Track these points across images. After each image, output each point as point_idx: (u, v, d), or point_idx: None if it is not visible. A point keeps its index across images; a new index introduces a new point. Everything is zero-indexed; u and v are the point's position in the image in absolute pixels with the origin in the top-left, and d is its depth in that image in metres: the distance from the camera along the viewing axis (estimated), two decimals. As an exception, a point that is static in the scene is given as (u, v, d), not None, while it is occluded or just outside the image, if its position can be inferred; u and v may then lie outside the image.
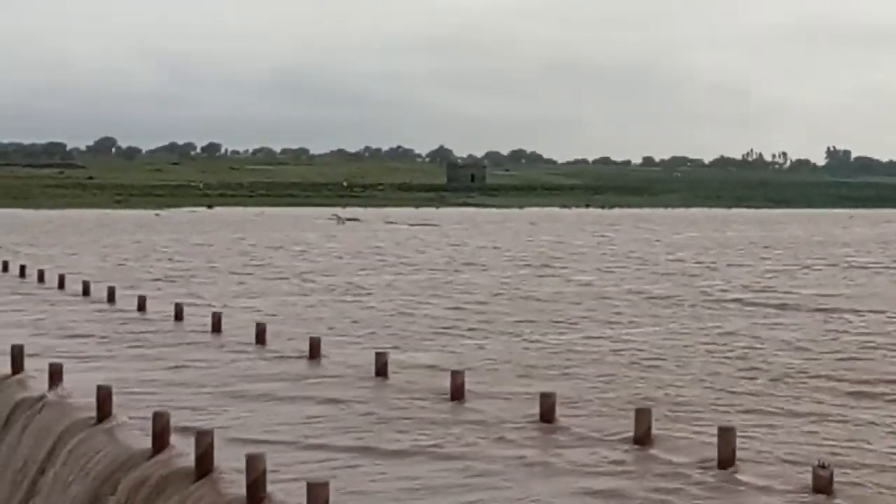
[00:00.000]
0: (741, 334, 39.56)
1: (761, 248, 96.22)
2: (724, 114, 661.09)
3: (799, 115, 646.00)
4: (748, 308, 48.03)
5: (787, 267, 73.71)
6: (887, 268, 73.36)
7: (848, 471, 20.08)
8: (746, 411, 25.90)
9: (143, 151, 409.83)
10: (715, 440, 20.61)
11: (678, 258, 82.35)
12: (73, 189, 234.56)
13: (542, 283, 60.62)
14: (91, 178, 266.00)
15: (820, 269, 71.49)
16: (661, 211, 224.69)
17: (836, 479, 18.75)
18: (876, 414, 25.86)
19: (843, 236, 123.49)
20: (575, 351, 35.36)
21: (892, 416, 25.57)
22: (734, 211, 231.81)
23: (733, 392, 28.42)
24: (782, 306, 48.66)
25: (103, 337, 37.84)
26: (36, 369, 29.17)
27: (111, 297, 48.12)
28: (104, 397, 24.06)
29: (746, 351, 35.49)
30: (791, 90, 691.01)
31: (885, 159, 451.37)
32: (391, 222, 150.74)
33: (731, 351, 35.51)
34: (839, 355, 34.70)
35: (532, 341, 37.50)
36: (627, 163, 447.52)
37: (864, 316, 45.22)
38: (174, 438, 21.15)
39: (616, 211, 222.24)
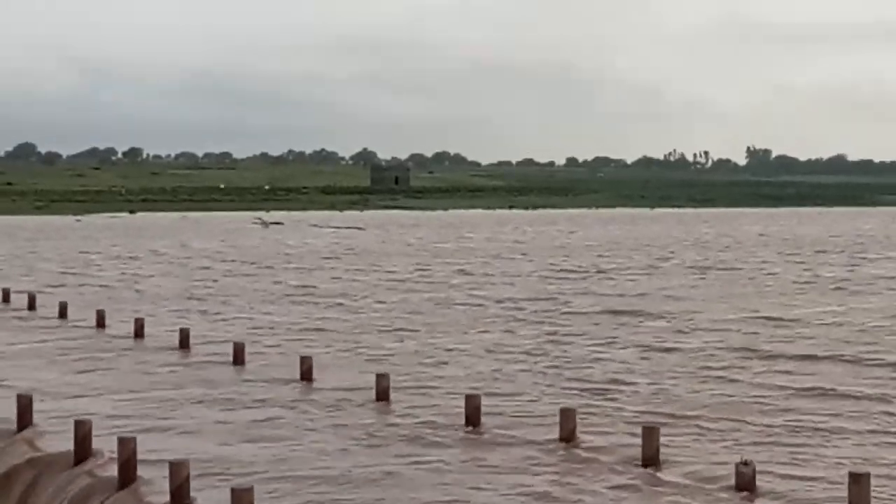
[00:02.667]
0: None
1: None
2: (646, 114, 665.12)
3: (719, 115, 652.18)
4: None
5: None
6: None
7: (769, 468, 20.29)
8: (666, 412, 26.11)
9: (64, 157, 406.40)
10: (638, 440, 20.79)
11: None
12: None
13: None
14: (10, 183, 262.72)
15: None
16: (583, 211, 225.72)
17: (757, 476, 18.94)
18: (795, 409, 26.15)
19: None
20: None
21: (811, 414, 25.85)
22: (657, 210, 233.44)
23: (644, 393, 28.66)
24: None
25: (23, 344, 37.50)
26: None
27: (31, 304, 47.65)
28: (24, 406, 23.77)
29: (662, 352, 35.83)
30: (711, 90, 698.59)
31: (804, 158, 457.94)
32: (315, 225, 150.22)
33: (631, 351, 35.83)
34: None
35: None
36: (551, 164, 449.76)
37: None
38: (96, 446, 20.93)
39: (538, 212, 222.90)
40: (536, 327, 41.88)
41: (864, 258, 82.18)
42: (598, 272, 68.99)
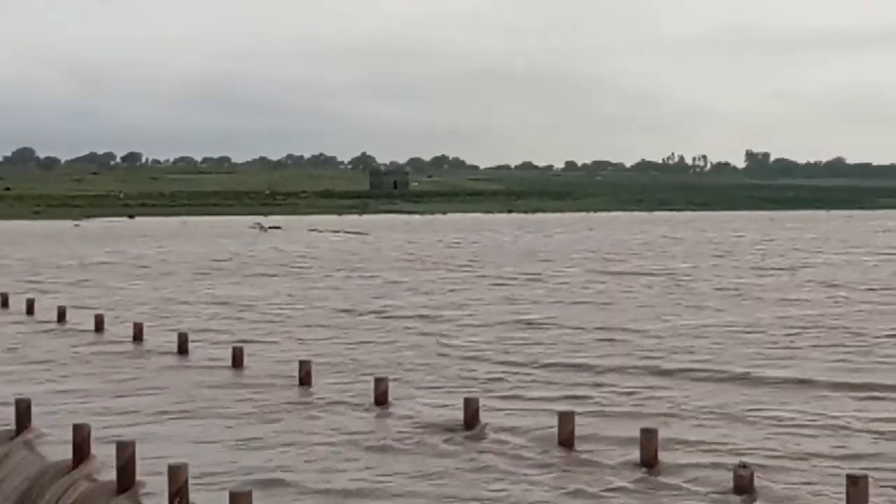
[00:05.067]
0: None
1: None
2: (645, 118, 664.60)
3: (718, 119, 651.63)
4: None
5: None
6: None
7: (768, 469, 20.27)
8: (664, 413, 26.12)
9: (62, 162, 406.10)
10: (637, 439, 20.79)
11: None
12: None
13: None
14: (8, 188, 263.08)
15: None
16: (580, 215, 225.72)
17: (756, 478, 18.92)
18: (790, 410, 26.15)
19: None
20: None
21: (804, 412, 25.85)
22: (655, 214, 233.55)
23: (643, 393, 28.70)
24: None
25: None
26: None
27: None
28: (23, 410, 23.75)
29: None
30: (710, 95, 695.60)
31: (802, 161, 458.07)
32: (314, 229, 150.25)
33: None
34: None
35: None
36: (550, 167, 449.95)
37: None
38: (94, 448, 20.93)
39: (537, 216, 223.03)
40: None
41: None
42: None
